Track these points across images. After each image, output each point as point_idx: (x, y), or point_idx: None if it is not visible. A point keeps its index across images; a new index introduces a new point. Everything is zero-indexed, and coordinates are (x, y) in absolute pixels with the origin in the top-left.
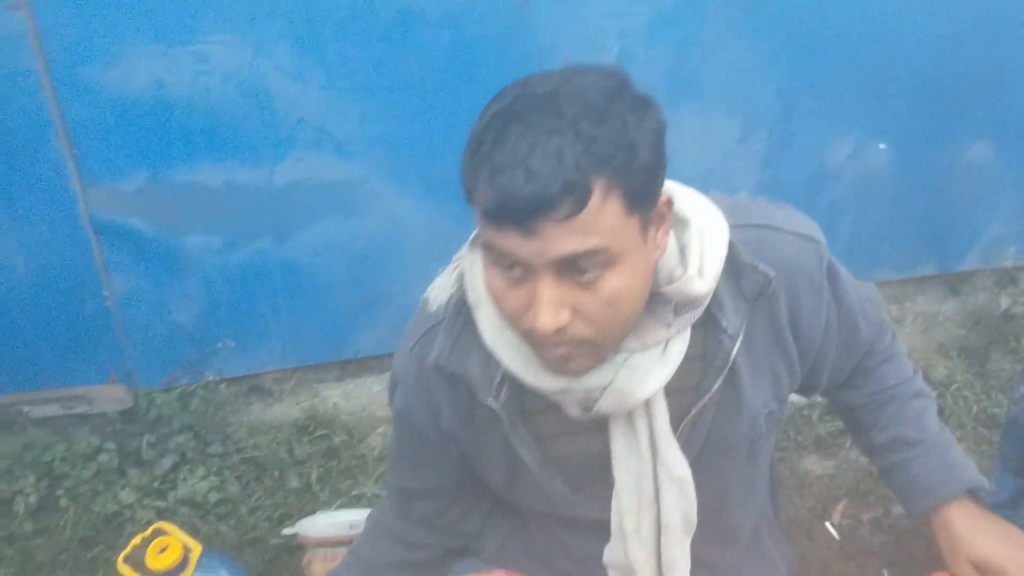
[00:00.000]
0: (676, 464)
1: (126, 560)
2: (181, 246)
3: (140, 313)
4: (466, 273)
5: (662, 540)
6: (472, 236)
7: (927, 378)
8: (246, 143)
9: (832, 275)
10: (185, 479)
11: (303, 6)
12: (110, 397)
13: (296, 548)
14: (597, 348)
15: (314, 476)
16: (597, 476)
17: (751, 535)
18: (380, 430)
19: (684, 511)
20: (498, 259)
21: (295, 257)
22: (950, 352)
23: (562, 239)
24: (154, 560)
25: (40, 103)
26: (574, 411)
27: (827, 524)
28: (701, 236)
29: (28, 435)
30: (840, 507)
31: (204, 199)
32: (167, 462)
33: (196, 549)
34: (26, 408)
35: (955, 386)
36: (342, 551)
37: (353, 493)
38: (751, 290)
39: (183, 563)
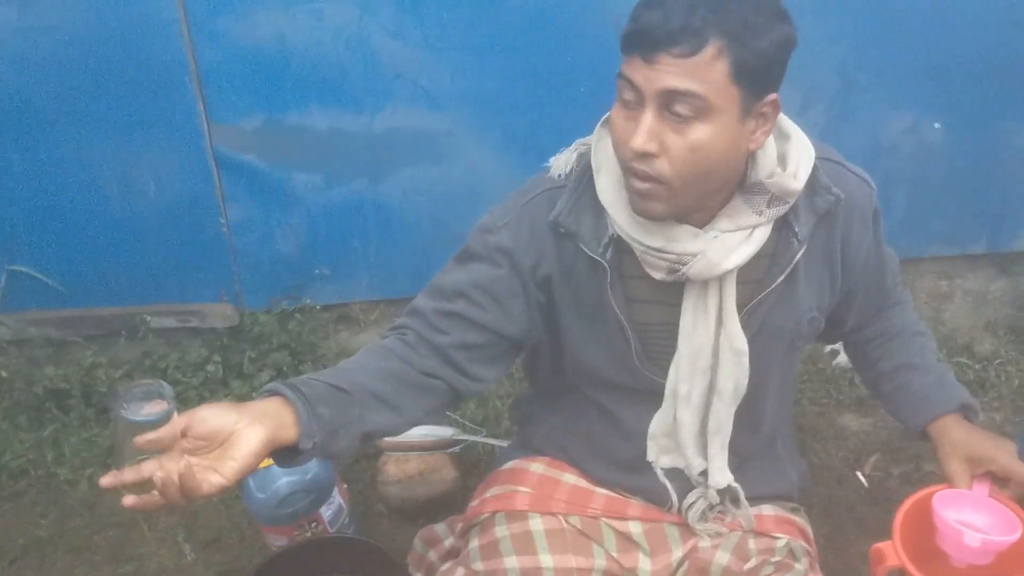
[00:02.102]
0: (737, 337)
1: None
2: (289, 182)
3: (250, 240)
4: (594, 144)
5: (712, 406)
6: (604, 118)
7: (972, 353)
8: (350, 93)
9: (876, 219)
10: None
11: None
12: (219, 314)
13: (373, 454)
14: (673, 194)
15: None
16: (664, 344)
17: (768, 439)
18: None
19: (737, 380)
20: (622, 89)
21: (386, 198)
22: (997, 330)
23: (671, 74)
24: None
25: (178, 48)
26: (660, 274)
27: (858, 473)
28: (799, 150)
29: (148, 343)
30: (872, 460)
31: (311, 141)
32: (265, 376)
33: None
34: (148, 318)
35: (999, 361)
36: (413, 455)
37: None
38: (822, 206)
39: None
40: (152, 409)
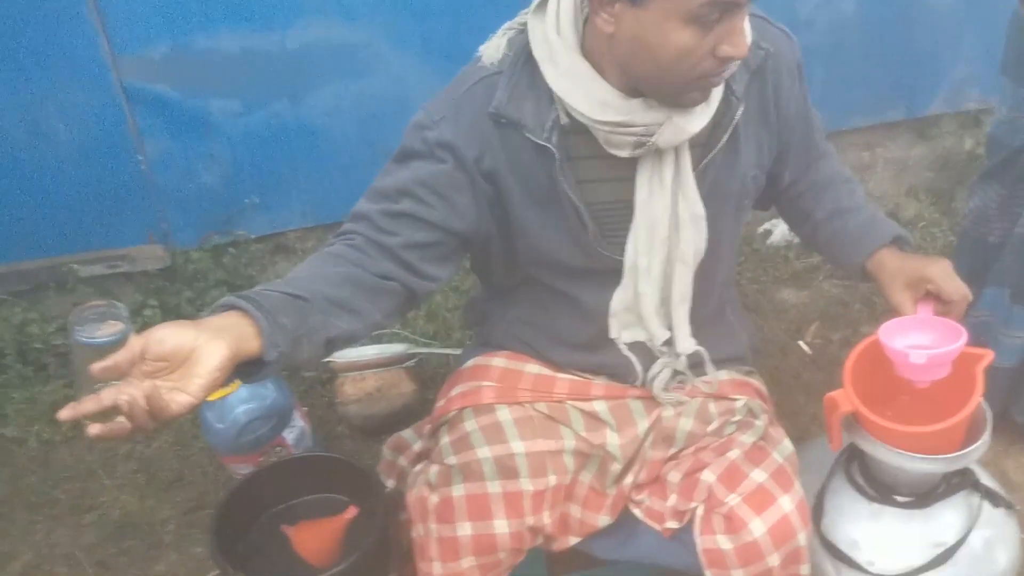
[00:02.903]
0: (696, 202)
1: None
2: (205, 110)
3: (172, 175)
4: (532, 33)
5: (675, 275)
6: (537, 2)
7: (897, 218)
8: (259, 9)
9: (801, 72)
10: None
11: None
12: (150, 256)
13: (327, 379)
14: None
15: None
16: (618, 221)
17: (718, 304)
18: None
19: (696, 245)
20: (707, 12)
21: (309, 119)
22: (919, 194)
23: None
24: None
25: None
26: (626, 151)
27: (800, 342)
28: None
29: (78, 293)
30: (812, 328)
31: (224, 65)
32: (205, 314)
33: None
34: (76, 267)
35: (923, 224)
36: (369, 373)
37: (374, 332)
38: (754, 62)
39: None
40: (107, 331)
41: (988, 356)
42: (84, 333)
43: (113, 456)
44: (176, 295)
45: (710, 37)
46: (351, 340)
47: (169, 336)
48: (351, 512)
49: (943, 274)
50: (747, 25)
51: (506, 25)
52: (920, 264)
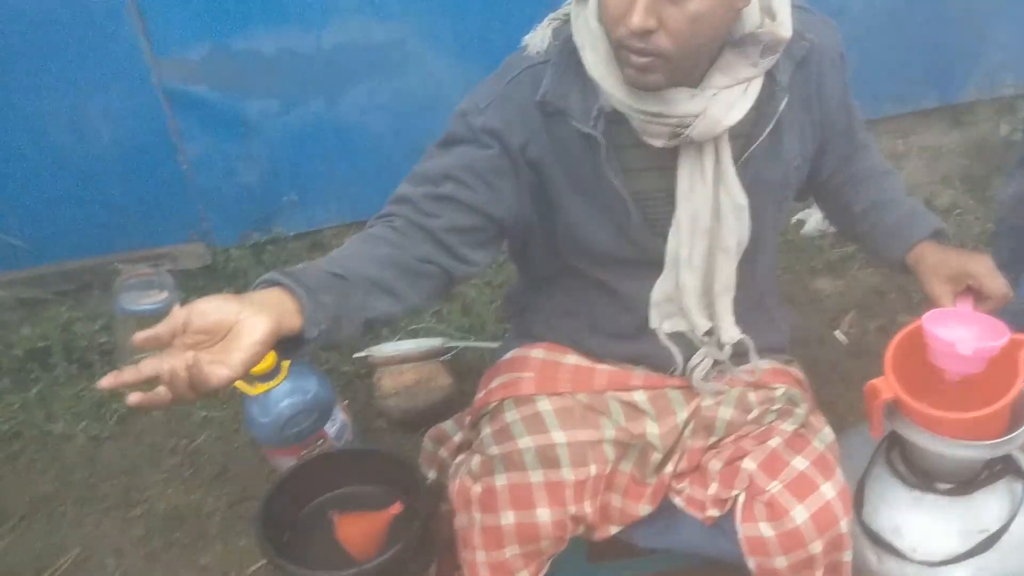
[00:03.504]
0: (738, 192)
1: None
2: (244, 111)
3: (212, 175)
4: (573, 20)
5: (717, 265)
6: None
7: (932, 207)
8: (295, 10)
9: (843, 61)
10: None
11: None
12: (192, 254)
13: (366, 373)
14: (672, 64)
15: None
16: (662, 211)
17: (760, 294)
18: None
19: (739, 235)
20: None
21: (345, 117)
22: (954, 182)
23: None
24: None
25: None
26: (662, 140)
27: (836, 332)
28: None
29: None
30: (848, 318)
31: (262, 66)
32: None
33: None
34: (119, 266)
35: (957, 212)
36: (407, 367)
37: (411, 328)
38: (798, 53)
39: (277, 367)
40: (152, 299)
41: (1002, 338)
42: (128, 301)
43: (159, 450)
44: (217, 292)
45: (627, 0)
46: (389, 322)
47: (212, 309)
48: (396, 507)
49: (985, 270)
50: (784, 11)
51: (551, 16)
52: (962, 259)
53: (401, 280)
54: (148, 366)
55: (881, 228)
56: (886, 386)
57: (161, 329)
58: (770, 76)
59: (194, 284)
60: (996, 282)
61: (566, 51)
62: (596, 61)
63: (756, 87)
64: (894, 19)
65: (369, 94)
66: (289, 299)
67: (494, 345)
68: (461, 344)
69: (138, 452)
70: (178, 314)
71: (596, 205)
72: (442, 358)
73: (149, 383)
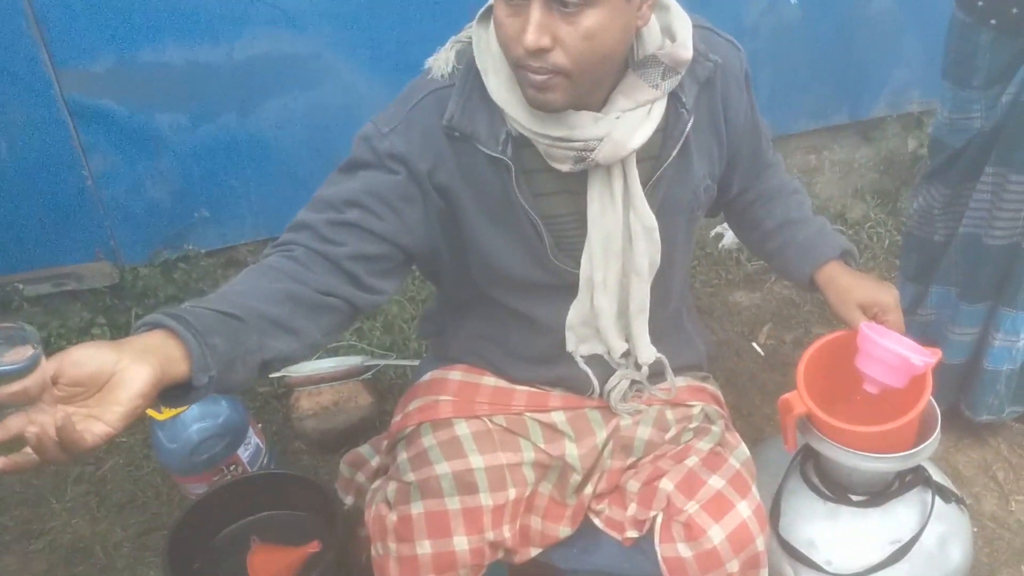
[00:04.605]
0: (647, 215)
1: None
2: (152, 124)
3: (119, 191)
4: (476, 44)
5: (631, 287)
6: (480, 12)
7: (844, 219)
8: (205, 21)
9: (748, 81)
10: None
11: None
12: (98, 273)
13: (283, 393)
14: (571, 82)
15: None
16: (573, 234)
17: (675, 312)
18: None
19: (651, 257)
20: None
21: (259, 131)
22: (865, 195)
23: None
24: None
25: None
26: (567, 165)
27: (754, 344)
28: (680, 19)
29: (24, 313)
30: (765, 330)
31: (170, 77)
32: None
33: None
34: (21, 287)
35: (869, 224)
36: (326, 386)
37: (330, 345)
38: (703, 74)
39: None
40: (16, 356)
41: (936, 356)
42: None
43: (63, 479)
44: (125, 312)
45: (519, 20)
46: (288, 361)
47: (87, 359)
48: (313, 546)
49: (893, 303)
50: (684, 33)
51: (453, 38)
52: (874, 288)
53: (301, 316)
54: (14, 423)
55: (791, 246)
56: (799, 401)
57: (29, 382)
58: (675, 97)
59: (101, 304)
60: (898, 317)
61: (470, 75)
62: (499, 85)
63: (660, 109)
64: (805, 39)
65: (283, 107)
66: (174, 344)
67: (416, 363)
68: (382, 362)
69: (40, 481)
70: (48, 365)
71: (508, 230)
72: (362, 377)
73: (14, 444)
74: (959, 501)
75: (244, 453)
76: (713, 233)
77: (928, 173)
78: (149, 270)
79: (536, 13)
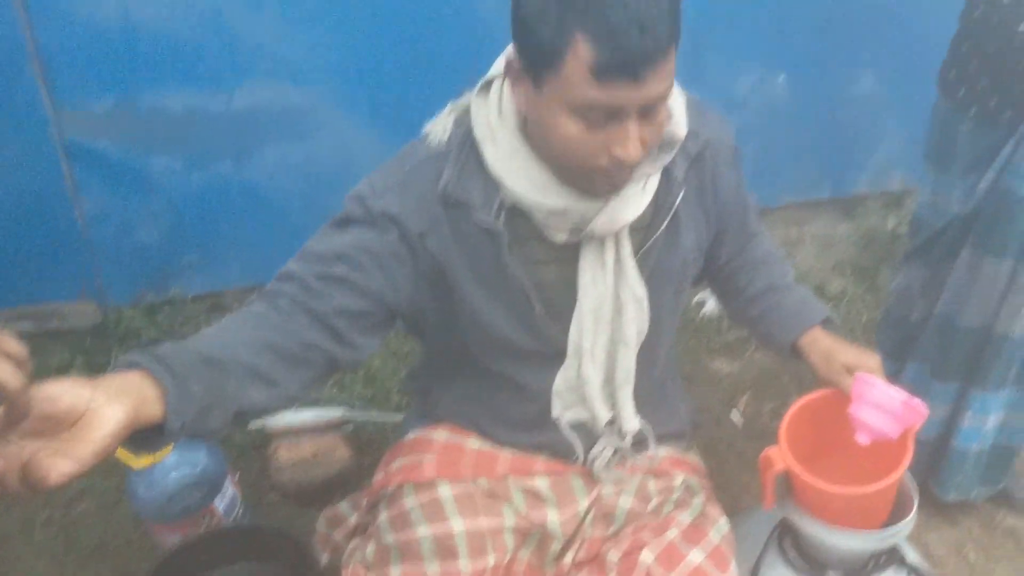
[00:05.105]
0: (637, 284)
1: None
2: (147, 167)
3: (108, 232)
4: (474, 115)
5: (618, 356)
6: (480, 84)
7: (824, 293)
8: (207, 70)
9: (738, 158)
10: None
11: None
12: (81, 313)
13: (261, 444)
14: (633, 170)
15: None
16: (563, 302)
17: (660, 381)
18: None
19: (639, 326)
20: (586, 111)
21: (253, 179)
22: (845, 270)
23: (657, 84)
24: None
25: (15, 31)
26: (563, 236)
27: (733, 412)
28: (676, 98)
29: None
30: (744, 398)
31: (168, 123)
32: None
33: None
34: (3, 324)
35: (847, 299)
36: (305, 438)
37: (310, 398)
38: (693, 149)
39: None
40: None
41: (919, 423)
42: None
43: (30, 522)
44: (106, 353)
45: (601, 135)
46: (263, 413)
47: (61, 393)
48: None
49: (878, 368)
50: (680, 110)
51: (451, 105)
52: (859, 352)
53: (281, 368)
54: None
55: (774, 313)
56: (780, 456)
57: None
58: (666, 171)
59: (82, 344)
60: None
61: (467, 143)
62: (497, 157)
63: (654, 183)
64: (791, 115)
65: (279, 157)
66: (151, 385)
67: (398, 418)
68: (362, 416)
69: (7, 523)
70: (21, 398)
71: (498, 296)
72: (342, 430)
73: None
74: None
75: (220, 503)
76: (695, 300)
77: (909, 252)
78: (133, 312)
79: (636, 129)
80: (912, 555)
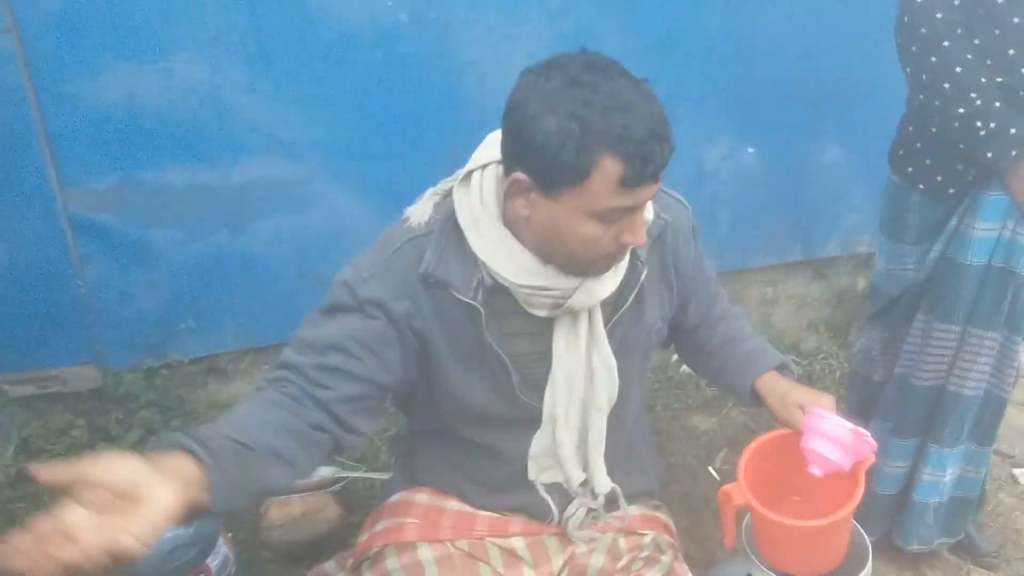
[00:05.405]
0: (608, 355)
1: None
2: (147, 239)
3: (110, 299)
4: (458, 203)
5: (591, 420)
6: (461, 176)
7: (798, 350)
8: (205, 147)
9: (695, 233)
10: (149, 450)
11: (254, 29)
12: (82, 376)
13: (254, 504)
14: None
15: None
16: (538, 372)
17: (629, 442)
18: None
19: (610, 392)
20: (608, 214)
21: (248, 248)
22: (818, 328)
23: (660, 179)
24: None
25: (25, 114)
26: (544, 311)
27: (710, 468)
28: None
29: (6, 413)
30: (721, 455)
31: (168, 197)
32: (134, 435)
33: None
34: (5, 387)
35: (821, 355)
36: (296, 497)
37: None
38: (655, 231)
39: None
40: None
41: (871, 459)
42: None
43: None
44: (105, 415)
45: (613, 228)
46: (280, 491)
47: (122, 467)
48: None
49: (831, 407)
50: (647, 212)
51: (431, 190)
52: (814, 392)
53: (297, 448)
54: (69, 515)
55: (732, 361)
56: (738, 492)
57: (68, 474)
58: (632, 252)
59: (83, 406)
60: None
61: (447, 227)
62: (482, 243)
63: (624, 262)
64: (761, 184)
65: (273, 228)
66: (196, 470)
67: (385, 476)
68: (352, 475)
69: None
70: (84, 465)
71: (477, 369)
72: (332, 488)
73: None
74: None
75: (213, 562)
76: (675, 358)
77: (869, 317)
78: (132, 375)
79: (642, 218)
80: None
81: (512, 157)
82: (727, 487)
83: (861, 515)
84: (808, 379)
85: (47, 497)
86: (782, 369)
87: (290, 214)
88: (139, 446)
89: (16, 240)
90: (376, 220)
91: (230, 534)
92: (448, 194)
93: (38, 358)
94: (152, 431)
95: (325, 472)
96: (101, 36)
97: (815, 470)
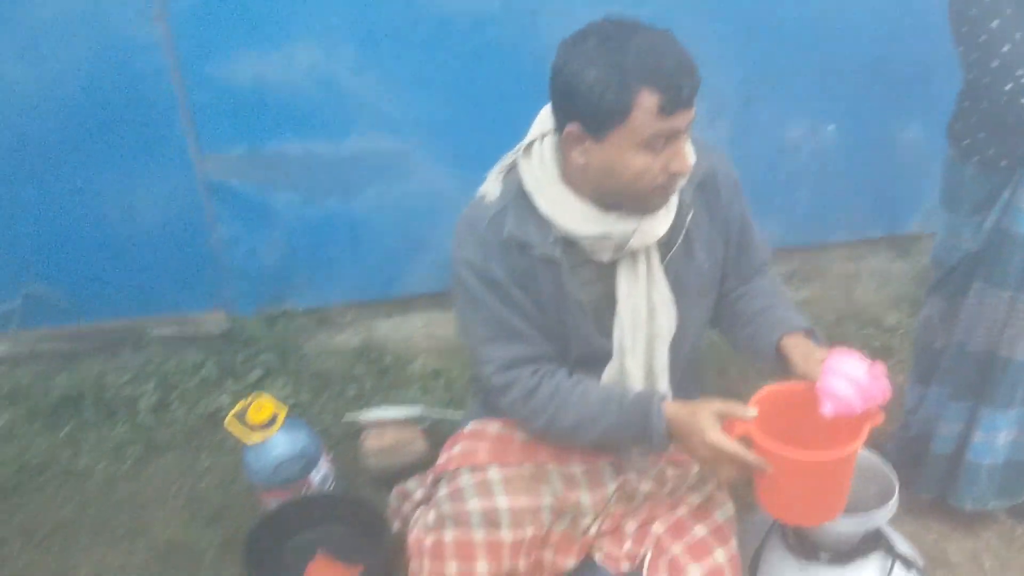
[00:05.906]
0: (665, 289)
1: (235, 416)
2: (269, 202)
3: (237, 254)
4: (523, 172)
5: (655, 349)
6: (523, 148)
7: (880, 325)
8: (320, 122)
9: (738, 187)
10: (268, 388)
11: (363, 18)
12: (212, 321)
13: (354, 433)
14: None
15: (368, 387)
16: (606, 312)
17: (681, 377)
18: (420, 359)
19: (670, 323)
20: (652, 141)
21: (356, 212)
22: (901, 304)
23: (694, 107)
24: (253, 415)
25: (170, 92)
26: (608, 255)
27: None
28: None
29: (149, 351)
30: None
31: (288, 165)
32: (255, 374)
33: (282, 412)
34: (149, 328)
35: (901, 331)
36: (389, 429)
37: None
38: (697, 175)
39: (273, 419)
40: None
41: (879, 416)
42: None
43: (165, 491)
44: (232, 356)
45: (661, 158)
46: None
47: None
48: (362, 568)
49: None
50: (689, 148)
51: (496, 168)
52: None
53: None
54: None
55: (768, 317)
56: (742, 424)
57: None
58: (680, 197)
59: (213, 347)
60: None
61: (519, 194)
62: (548, 203)
63: (674, 203)
64: (841, 162)
65: (378, 195)
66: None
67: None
68: (437, 415)
69: (147, 491)
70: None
71: (554, 317)
72: (421, 425)
73: None
74: (919, 570)
75: (315, 476)
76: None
77: (930, 288)
78: (255, 322)
79: (685, 145)
80: (903, 546)
81: (563, 113)
82: (731, 420)
83: (918, 475)
84: (888, 352)
85: (179, 424)
86: (810, 334)
87: (393, 182)
88: (260, 383)
89: (159, 200)
90: (468, 188)
91: (331, 455)
92: (512, 167)
93: (176, 304)
94: (271, 371)
95: (415, 410)
96: (234, 25)
97: (826, 408)
